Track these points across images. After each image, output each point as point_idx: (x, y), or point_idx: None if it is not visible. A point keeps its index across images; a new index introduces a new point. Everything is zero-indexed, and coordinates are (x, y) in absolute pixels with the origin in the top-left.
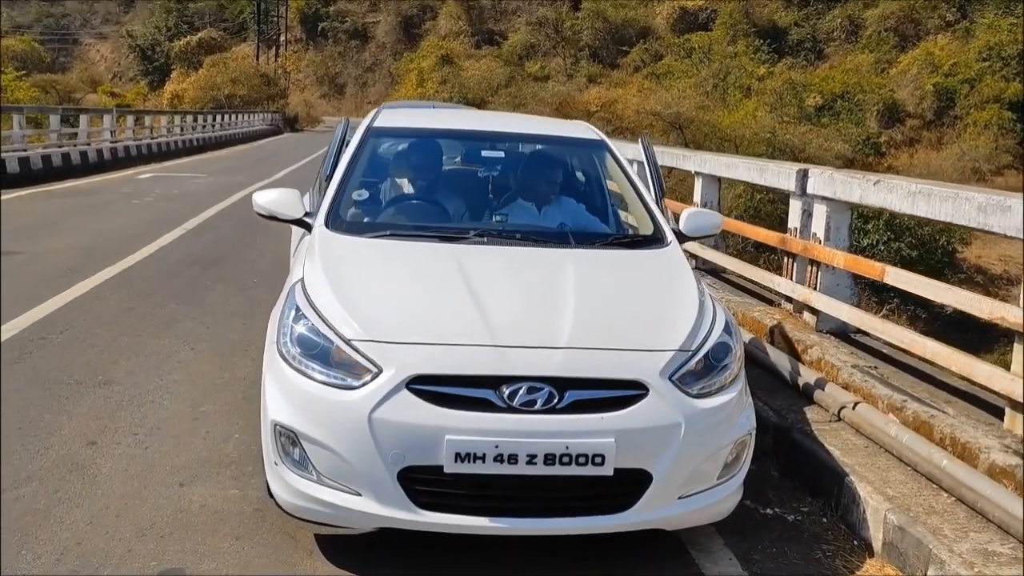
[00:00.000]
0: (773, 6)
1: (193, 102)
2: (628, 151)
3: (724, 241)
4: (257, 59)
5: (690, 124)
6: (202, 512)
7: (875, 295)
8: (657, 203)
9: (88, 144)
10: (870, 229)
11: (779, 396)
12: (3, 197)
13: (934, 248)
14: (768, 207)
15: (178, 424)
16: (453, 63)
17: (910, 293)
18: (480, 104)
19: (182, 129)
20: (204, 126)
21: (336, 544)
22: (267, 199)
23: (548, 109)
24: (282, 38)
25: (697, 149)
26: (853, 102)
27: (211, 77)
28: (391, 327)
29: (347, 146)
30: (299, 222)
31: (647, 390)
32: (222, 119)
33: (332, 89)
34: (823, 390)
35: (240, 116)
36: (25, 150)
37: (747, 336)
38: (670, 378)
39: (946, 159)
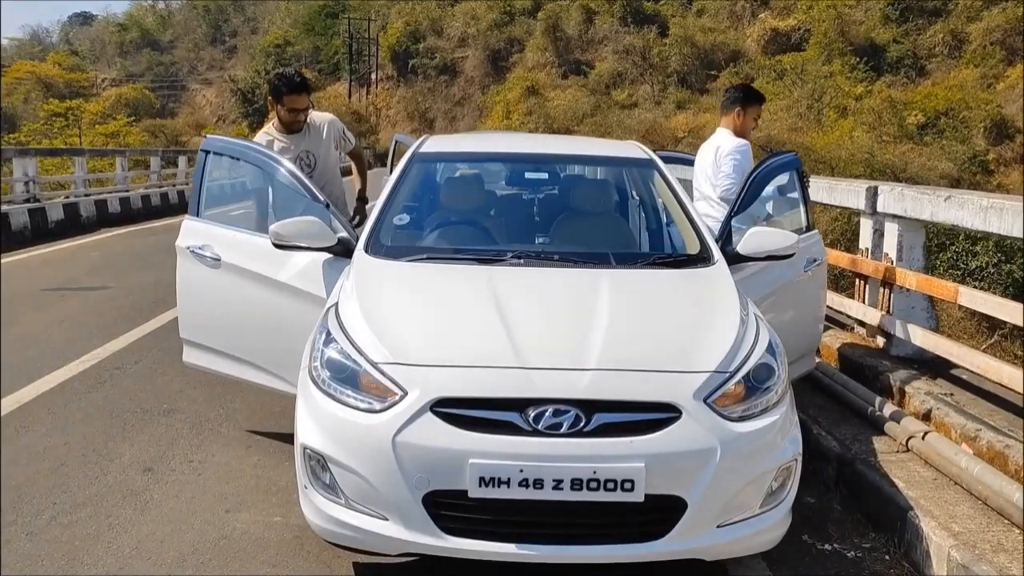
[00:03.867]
0: (870, 23)
1: None
2: None
3: None
4: (349, 97)
5: (782, 146)
6: (244, 539)
7: (986, 320)
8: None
9: (186, 184)
10: (979, 251)
11: (845, 425)
12: (105, 235)
13: None
14: (844, 223)
15: (232, 451)
16: (539, 94)
17: None
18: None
19: None
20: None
21: (372, 574)
22: (290, 229)
23: (634, 136)
24: (373, 76)
25: None
26: (958, 119)
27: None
28: (417, 349)
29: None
30: (330, 250)
31: (680, 413)
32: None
33: (422, 124)
34: (892, 418)
35: None
36: (127, 191)
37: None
38: (705, 400)
39: None
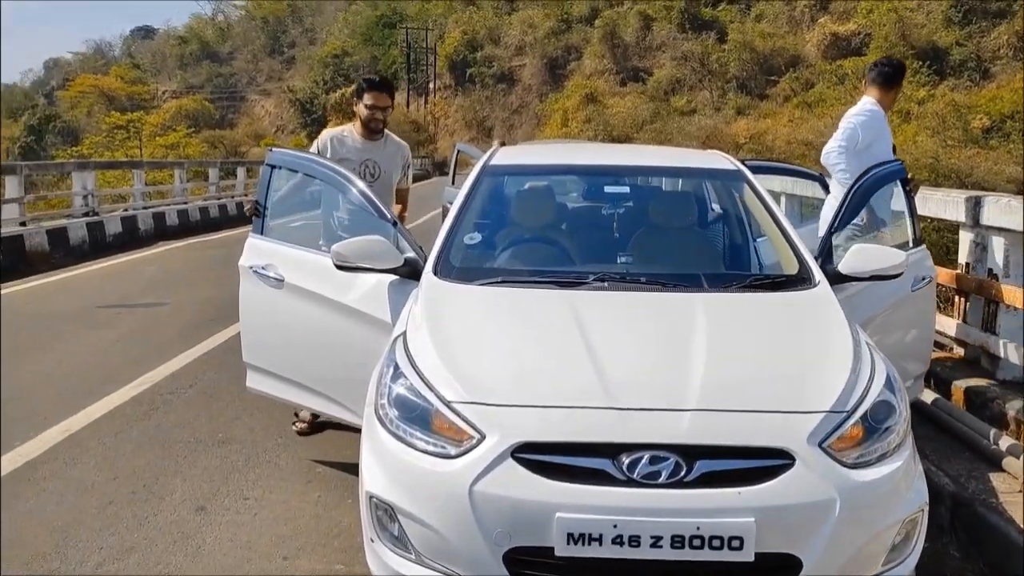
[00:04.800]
0: (932, 26)
1: None
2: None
3: None
4: (407, 106)
5: None
6: None
7: None
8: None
9: (244, 195)
10: None
11: (956, 459)
12: (163, 248)
13: None
14: (932, 235)
15: (291, 486)
16: (597, 101)
17: None
18: (624, 141)
19: None
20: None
21: None
22: (354, 250)
23: (694, 143)
24: (431, 85)
25: None
26: None
27: None
28: (495, 387)
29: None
30: (396, 272)
31: (793, 460)
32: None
33: (480, 132)
34: (1010, 452)
35: None
36: (185, 203)
37: None
38: (820, 445)
39: None
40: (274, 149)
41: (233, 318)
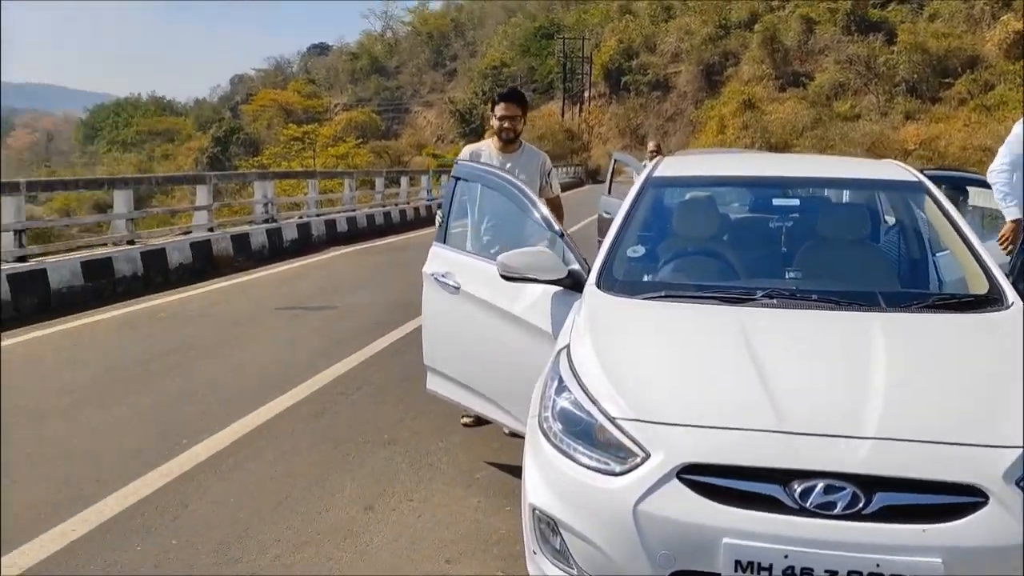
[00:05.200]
0: None
1: None
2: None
3: None
4: (563, 115)
5: None
6: None
7: None
8: None
9: (407, 203)
10: None
11: None
12: (333, 254)
13: None
14: None
15: (452, 490)
16: (755, 107)
17: None
18: (783, 148)
19: None
20: None
21: None
22: (519, 261)
23: (858, 149)
24: (586, 94)
25: None
26: None
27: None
28: (661, 405)
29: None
30: (560, 283)
31: (986, 498)
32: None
33: (633, 140)
34: None
35: None
36: (353, 210)
37: None
38: (1018, 483)
39: None
40: (460, 161)
41: (397, 323)
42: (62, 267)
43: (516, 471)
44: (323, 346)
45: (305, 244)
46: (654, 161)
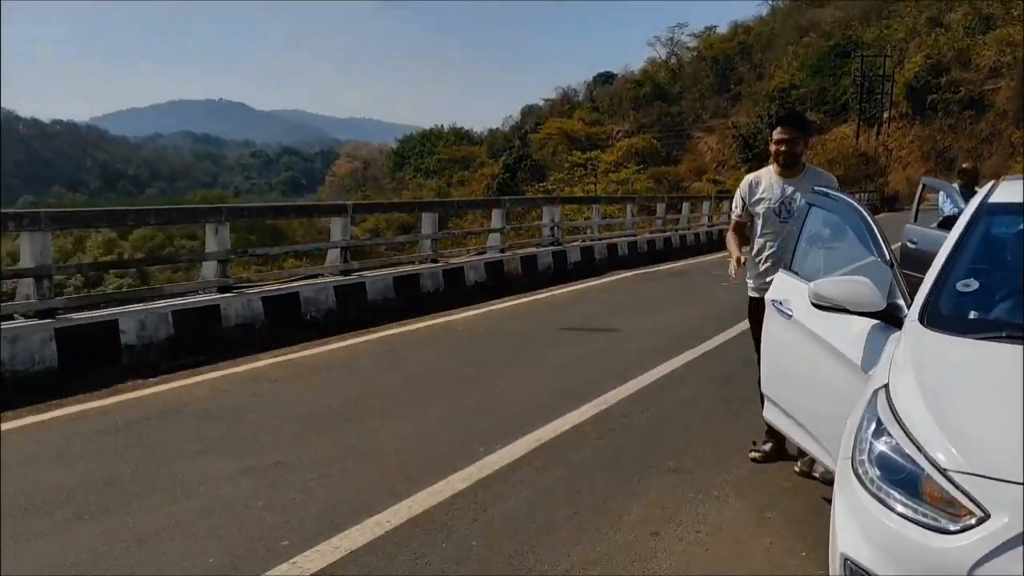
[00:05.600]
0: None
1: None
2: None
3: None
4: (857, 138)
5: None
6: None
7: None
8: None
9: (687, 228)
10: None
11: None
12: (614, 278)
13: None
14: None
15: (742, 527)
16: None
17: None
18: None
19: None
20: None
21: None
22: (833, 289)
23: None
24: (885, 115)
25: None
26: None
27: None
28: (1002, 459)
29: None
30: (876, 315)
31: None
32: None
33: (939, 164)
34: None
35: None
36: (634, 235)
37: None
38: None
39: None
40: (816, 189)
41: (678, 350)
42: (378, 281)
43: (810, 514)
44: (606, 367)
45: (588, 267)
46: (989, 184)
